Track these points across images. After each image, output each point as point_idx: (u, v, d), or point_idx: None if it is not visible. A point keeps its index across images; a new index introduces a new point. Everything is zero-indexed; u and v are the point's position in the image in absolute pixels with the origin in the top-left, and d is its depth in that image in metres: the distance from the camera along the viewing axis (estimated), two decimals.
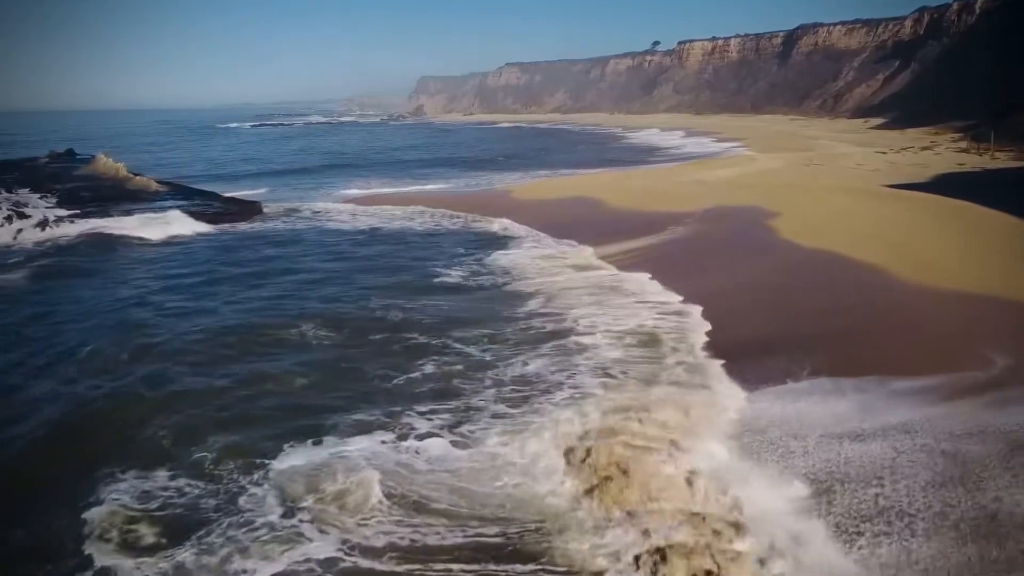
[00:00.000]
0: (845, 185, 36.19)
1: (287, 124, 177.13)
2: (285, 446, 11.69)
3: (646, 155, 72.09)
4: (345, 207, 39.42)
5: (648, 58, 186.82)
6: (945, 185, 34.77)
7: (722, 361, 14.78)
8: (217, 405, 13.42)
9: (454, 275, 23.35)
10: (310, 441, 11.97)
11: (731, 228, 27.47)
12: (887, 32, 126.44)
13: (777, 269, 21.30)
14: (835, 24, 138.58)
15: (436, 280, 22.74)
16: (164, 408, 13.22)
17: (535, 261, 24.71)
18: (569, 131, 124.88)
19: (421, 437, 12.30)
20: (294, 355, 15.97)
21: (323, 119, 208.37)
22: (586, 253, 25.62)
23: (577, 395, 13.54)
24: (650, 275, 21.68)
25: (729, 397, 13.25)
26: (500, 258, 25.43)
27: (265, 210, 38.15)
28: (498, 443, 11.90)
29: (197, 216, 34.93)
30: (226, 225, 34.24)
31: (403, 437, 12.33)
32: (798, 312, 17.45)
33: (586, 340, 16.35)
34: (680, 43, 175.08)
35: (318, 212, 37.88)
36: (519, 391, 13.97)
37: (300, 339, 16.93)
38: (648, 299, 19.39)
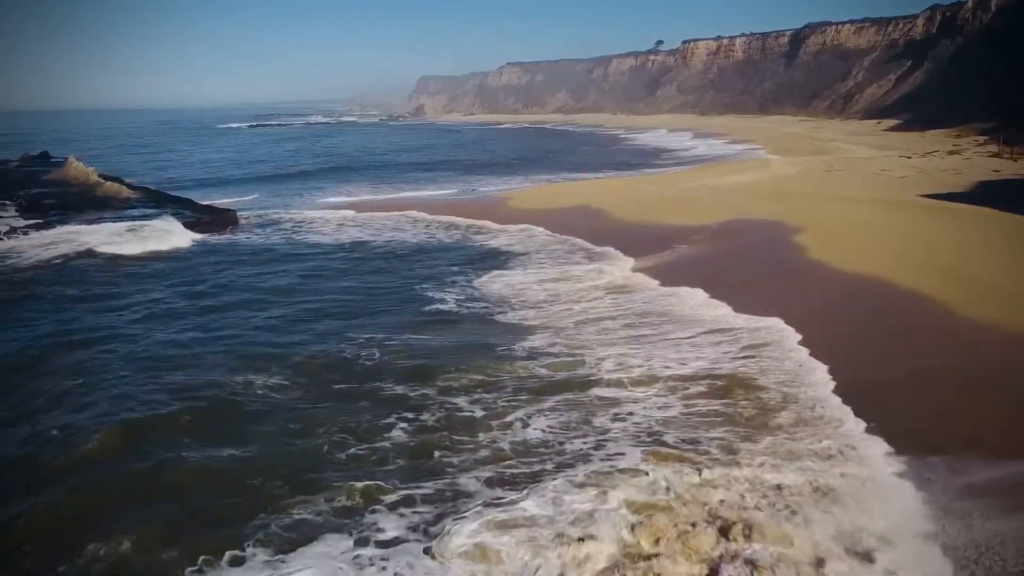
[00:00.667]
0: (874, 195, 32.89)
1: (285, 125, 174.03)
2: (188, 570, 8.49)
3: (653, 157, 68.93)
4: (331, 215, 36.26)
5: (651, 58, 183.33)
6: (988, 195, 31.44)
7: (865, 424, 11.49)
8: (113, 493, 10.18)
9: (448, 299, 20.15)
10: (227, 556, 8.76)
11: (752, 246, 24.29)
12: (898, 31, 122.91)
13: (808, 299, 18.07)
14: (844, 23, 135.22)
15: (424, 308, 19.40)
16: (38, 499, 9.99)
17: (542, 284, 21.49)
18: (572, 132, 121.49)
19: (385, 544, 9.21)
20: (230, 417, 12.58)
21: (324, 119, 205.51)
22: (616, 272, 22.55)
23: (610, 470, 10.37)
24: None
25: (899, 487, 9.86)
26: (500, 278, 22.23)
27: (243, 220, 34.97)
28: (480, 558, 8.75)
29: (163, 230, 31.64)
30: (196, 236, 31.07)
31: (362, 542, 9.24)
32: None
33: (614, 392, 13.20)
34: (684, 42, 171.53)
35: (300, 223, 34.60)
36: (525, 463, 10.88)
37: (243, 392, 13.50)
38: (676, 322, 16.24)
